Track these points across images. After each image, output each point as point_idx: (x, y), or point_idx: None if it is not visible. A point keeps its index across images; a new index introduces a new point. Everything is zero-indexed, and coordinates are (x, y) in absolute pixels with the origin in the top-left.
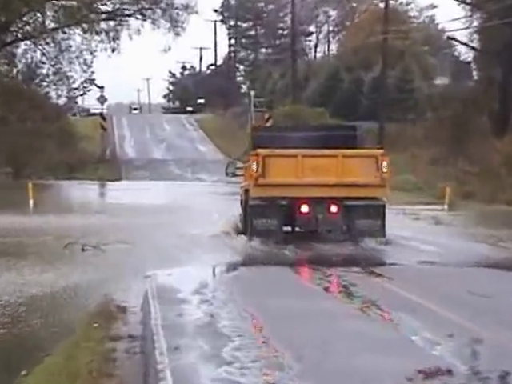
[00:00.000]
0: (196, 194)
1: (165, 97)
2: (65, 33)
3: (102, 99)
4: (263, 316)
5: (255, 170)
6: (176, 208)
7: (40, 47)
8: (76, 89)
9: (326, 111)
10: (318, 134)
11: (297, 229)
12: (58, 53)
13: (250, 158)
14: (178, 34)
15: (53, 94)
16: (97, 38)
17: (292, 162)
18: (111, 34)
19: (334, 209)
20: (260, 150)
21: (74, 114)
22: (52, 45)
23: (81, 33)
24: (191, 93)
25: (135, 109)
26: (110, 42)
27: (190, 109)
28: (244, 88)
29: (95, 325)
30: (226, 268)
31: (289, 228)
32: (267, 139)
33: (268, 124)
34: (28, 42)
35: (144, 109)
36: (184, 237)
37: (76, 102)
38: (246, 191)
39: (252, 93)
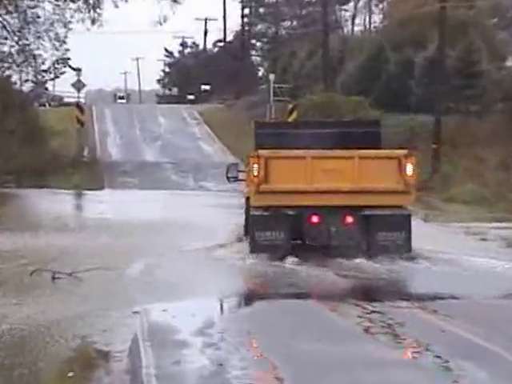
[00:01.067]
0: (198, 206)
1: (159, 82)
2: None
3: (78, 85)
4: (286, 364)
5: (256, 174)
6: (171, 225)
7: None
8: (46, 71)
9: (365, 101)
10: (333, 132)
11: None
12: (22, 25)
13: (250, 159)
14: (176, 1)
15: (16, 77)
16: (72, 5)
17: (300, 164)
18: (91, 1)
19: (349, 219)
20: (262, 151)
21: (43, 104)
22: (15, 15)
23: None
24: (193, 77)
25: (121, 97)
26: (89, 12)
27: (191, 97)
28: (261, 71)
29: (70, 374)
30: (238, 301)
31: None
32: (273, 137)
33: (292, 117)
34: None
35: (133, 97)
36: (181, 261)
37: (46, 89)
38: (248, 199)
39: (271, 77)
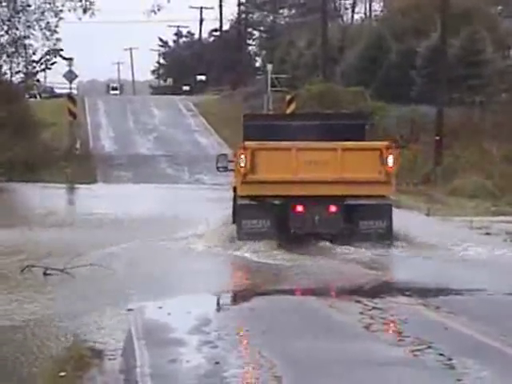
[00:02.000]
0: (194, 200)
1: (154, 72)
2: None
3: (70, 76)
4: (285, 363)
5: (243, 165)
6: (166, 219)
7: None
8: (36, 62)
9: (365, 91)
10: (319, 124)
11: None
12: (12, 14)
13: (237, 151)
14: None
15: (6, 68)
16: None
17: (285, 155)
18: None
19: (333, 209)
20: (248, 143)
21: (34, 96)
22: (4, 4)
23: None
24: (188, 67)
25: (114, 88)
26: (80, 1)
27: (186, 88)
28: (259, 61)
29: (62, 374)
30: (235, 297)
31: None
32: (261, 130)
33: (291, 108)
34: None
35: (126, 88)
36: (176, 256)
37: (37, 80)
38: (235, 189)
39: (269, 67)
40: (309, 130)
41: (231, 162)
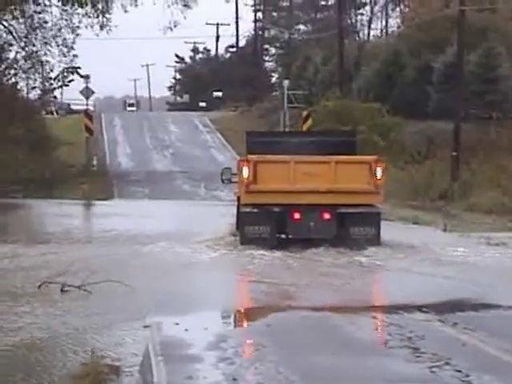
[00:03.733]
0: (210, 214)
1: (170, 89)
2: (38, 4)
3: (87, 92)
4: (302, 379)
5: (246, 176)
6: (183, 235)
7: (5, 23)
8: (53, 79)
9: (383, 107)
10: (314, 140)
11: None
12: (29, 31)
13: (240, 163)
14: (187, 6)
15: (22, 85)
16: (80, 10)
17: (284, 168)
18: (99, 6)
19: (327, 216)
20: (251, 156)
21: (51, 112)
22: (21, 20)
23: (59, 4)
24: (205, 83)
25: (131, 105)
26: (97, 17)
27: (203, 104)
28: (275, 77)
29: None
30: (252, 313)
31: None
32: (262, 145)
33: (307, 124)
34: None
35: (143, 105)
36: (193, 271)
37: (54, 97)
38: (239, 198)
39: (286, 83)
40: (305, 145)
41: (234, 174)
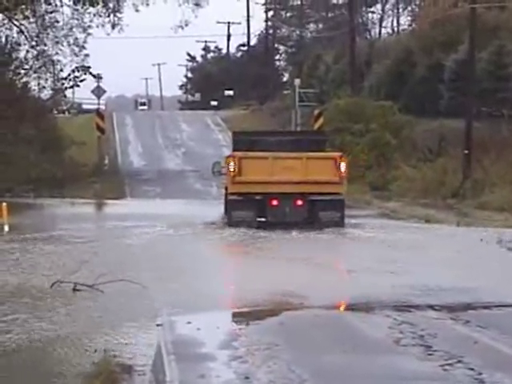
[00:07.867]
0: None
1: (182, 88)
2: (49, 4)
3: (98, 91)
4: (314, 378)
5: (232, 169)
6: (188, 233)
7: (17, 23)
8: (65, 78)
9: (394, 106)
10: (291, 139)
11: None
12: (40, 30)
13: (228, 159)
14: (198, 5)
15: (33, 84)
16: (92, 10)
17: (264, 162)
18: (111, 5)
19: (299, 202)
20: (236, 153)
21: (62, 112)
22: (32, 20)
23: (70, 3)
24: (216, 82)
25: (143, 104)
26: (108, 16)
27: (214, 103)
28: (286, 76)
29: None
30: (264, 312)
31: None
32: (246, 143)
33: (318, 123)
34: (0, 16)
35: (154, 104)
36: (208, 271)
37: (65, 96)
38: (226, 188)
39: (297, 82)
40: (283, 143)
41: (223, 167)
